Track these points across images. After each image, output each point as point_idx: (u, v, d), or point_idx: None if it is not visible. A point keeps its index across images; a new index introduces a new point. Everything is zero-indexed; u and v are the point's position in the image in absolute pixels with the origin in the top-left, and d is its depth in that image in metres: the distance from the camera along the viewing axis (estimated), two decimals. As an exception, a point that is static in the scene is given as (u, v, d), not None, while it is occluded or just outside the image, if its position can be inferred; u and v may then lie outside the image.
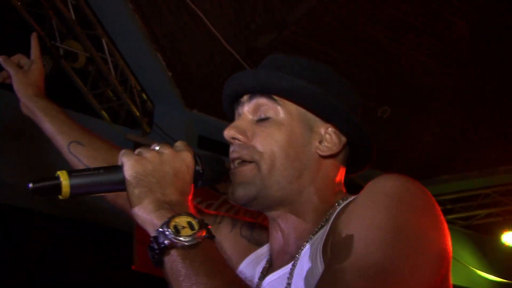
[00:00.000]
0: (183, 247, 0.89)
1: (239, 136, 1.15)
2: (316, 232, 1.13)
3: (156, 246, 0.89)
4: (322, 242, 1.06)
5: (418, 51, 4.56)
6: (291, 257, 1.13)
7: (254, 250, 1.31)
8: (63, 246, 4.75)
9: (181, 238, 0.88)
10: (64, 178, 0.96)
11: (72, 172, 0.98)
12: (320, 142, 1.18)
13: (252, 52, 4.62)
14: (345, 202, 1.13)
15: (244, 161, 1.15)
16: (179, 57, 4.68)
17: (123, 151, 1.01)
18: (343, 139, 1.19)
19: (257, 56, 4.55)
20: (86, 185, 0.99)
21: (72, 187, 0.97)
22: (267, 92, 1.17)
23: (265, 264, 1.24)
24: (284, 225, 1.18)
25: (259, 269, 1.25)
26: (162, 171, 0.99)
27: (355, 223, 0.96)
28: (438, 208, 1.01)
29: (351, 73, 4.63)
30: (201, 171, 1.07)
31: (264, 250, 1.29)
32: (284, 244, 1.18)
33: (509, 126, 5.22)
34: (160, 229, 0.89)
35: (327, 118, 1.18)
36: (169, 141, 4.54)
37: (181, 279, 0.87)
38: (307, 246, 1.11)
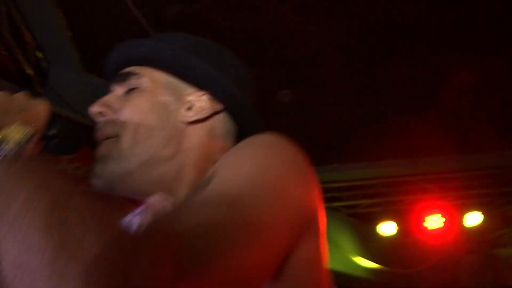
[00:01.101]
0: (4, 158, 0.74)
1: (103, 110, 1.10)
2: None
3: None
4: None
5: (319, 38, 4.61)
6: None
7: None
8: None
9: (12, 148, 0.76)
10: None
11: None
12: (188, 109, 1.14)
13: (159, 21, 4.45)
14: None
15: (108, 138, 1.09)
16: (81, 17, 4.38)
17: None
18: (217, 106, 1.16)
19: (165, 26, 4.40)
20: None
21: None
22: (134, 63, 1.13)
23: None
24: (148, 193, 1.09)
25: None
26: (5, 106, 0.89)
27: (218, 167, 0.91)
28: (308, 170, 1.02)
29: (252, 54, 4.59)
30: (51, 132, 0.98)
31: None
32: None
33: (396, 122, 5.47)
34: None
35: (197, 84, 1.14)
36: (63, 105, 4.26)
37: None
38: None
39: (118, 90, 1.15)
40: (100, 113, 1.11)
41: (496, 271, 6.67)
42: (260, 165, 0.91)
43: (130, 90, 1.13)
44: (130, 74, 1.13)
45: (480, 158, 6.18)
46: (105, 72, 1.20)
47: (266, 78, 4.82)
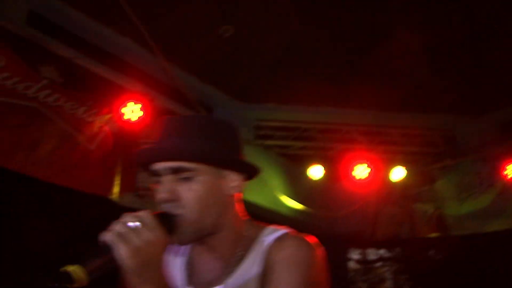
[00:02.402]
0: None
1: (170, 198, 1.50)
2: (239, 255, 1.61)
3: None
4: (255, 280, 1.55)
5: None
6: (217, 276, 1.60)
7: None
8: None
9: None
10: (79, 275, 1.18)
11: (84, 264, 1.21)
12: (228, 186, 1.60)
13: None
14: (262, 240, 1.62)
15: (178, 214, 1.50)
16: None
17: (110, 233, 1.28)
18: (241, 176, 1.63)
19: None
20: (93, 273, 1.21)
21: (89, 274, 1.20)
22: (185, 159, 1.51)
23: (180, 271, 1.71)
24: (213, 248, 1.62)
25: (176, 272, 1.70)
26: (154, 259, 1.32)
27: (283, 285, 1.49)
28: (323, 261, 1.61)
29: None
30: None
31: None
32: (210, 262, 1.64)
33: (336, 71, 5.53)
34: None
35: (227, 168, 1.59)
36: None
37: None
38: (237, 273, 1.58)
39: (171, 177, 1.52)
40: (167, 200, 1.50)
41: (412, 223, 7.02)
42: (309, 282, 1.53)
43: (184, 179, 1.52)
44: (184, 168, 1.51)
45: (411, 117, 6.35)
46: (150, 159, 1.57)
47: (209, 13, 4.78)
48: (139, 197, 5.00)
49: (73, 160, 4.50)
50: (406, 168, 6.44)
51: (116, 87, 4.85)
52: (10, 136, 4.13)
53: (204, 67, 5.59)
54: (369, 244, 7.45)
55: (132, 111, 4.78)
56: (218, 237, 1.61)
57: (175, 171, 1.52)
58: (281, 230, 1.64)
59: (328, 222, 7.13)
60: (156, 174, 1.55)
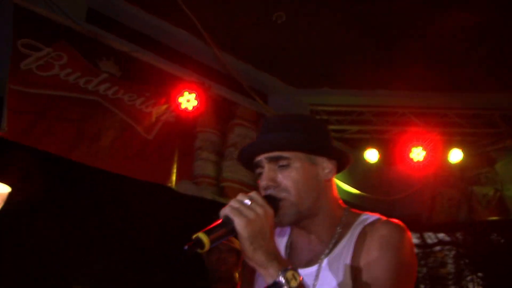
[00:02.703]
0: None
1: (272, 184, 1.70)
2: (335, 238, 1.75)
3: None
4: (348, 261, 1.67)
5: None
6: (315, 256, 1.75)
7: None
8: None
9: (292, 287, 1.44)
10: (205, 240, 1.42)
11: (209, 234, 1.44)
12: (322, 170, 1.76)
13: None
14: (357, 226, 1.74)
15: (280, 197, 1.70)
16: None
17: (228, 208, 1.51)
18: (334, 162, 1.79)
19: None
20: (217, 239, 1.46)
21: (211, 242, 1.43)
22: (281, 150, 1.72)
23: (285, 251, 1.88)
24: (311, 229, 1.78)
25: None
26: (264, 230, 1.50)
27: (376, 265, 1.62)
28: (412, 245, 1.72)
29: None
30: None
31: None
32: (310, 242, 1.79)
33: (391, 53, 5.46)
34: (278, 280, 1.45)
35: (321, 154, 1.76)
36: (54, 9, 4.32)
37: None
38: (332, 254, 1.71)
39: (272, 166, 1.73)
40: (269, 186, 1.70)
41: (471, 206, 6.89)
42: (402, 267, 1.64)
43: (282, 166, 1.71)
44: (282, 157, 1.71)
45: (468, 97, 6.21)
46: (252, 151, 1.78)
47: (261, 0, 4.82)
48: (196, 185, 5.14)
49: (132, 150, 4.67)
50: (463, 150, 6.32)
51: (172, 78, 4.98)
52: (73, 129, 4.33)
53: (257, 54, 5.64)
54: (427, 228, 7.35)
55: (188, 101, 4.90)
56: (316, 220, 1.77)
57: (274, 160, 1.73)
58: (375, 216, 1.77)
59: (384, 206, 7.08)
60: (258, 165, 1.77)
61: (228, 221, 1.49)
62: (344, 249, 1.71)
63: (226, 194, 5.24)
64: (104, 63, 4.54)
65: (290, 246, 1.90)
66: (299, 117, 1.87)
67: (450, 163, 6.42)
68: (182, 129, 5.03)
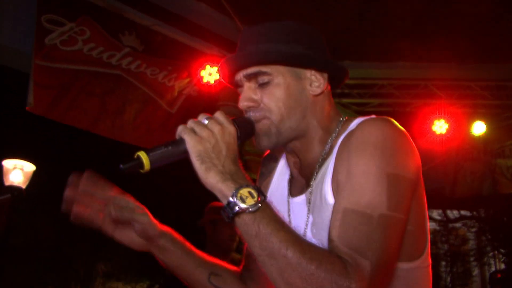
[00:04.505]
0: (250, 212, 1.26)
1: (251, 104, 1.52)
2: (323, 156, 1.56)
3: (229, 212, 1.27)
4: (330, 176, 1.46)
5: None
6: (307, 180, 1.57)
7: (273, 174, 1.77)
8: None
9: (247, 205, 1.25)
10: (145, 158, 1.28)
11: (149, 151, 1.30)
12: (310, 85, 1.56)
13: None
14: (344, 134, 1.51)
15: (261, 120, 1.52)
16: None
17: (181, 127, 1.34)
18: (325, 75, 1.57)
19: None
20: (160, 160, 1.32)
21: (151, 162, 1.29)
22: (261, 64, 1.51)
23: (287, 182, 1.70)
24: (299, 153, 1.59)
25: (284, 184, 1.72)
26: (218, 147, 1.33)
27: (353, 170, 1.37)
28: (410, 141, 1.46)
29: None
30: (239, 135, 1.42)
31: (280, 165, 1.78)
32: (300, 167, 1.61)
33: (411, 25, 5.40)
34: (231, 199, 1.26)
35: (308, 66, 1.55)
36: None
37: (253, 236, 1.26)
38: (319, 175, 1.52)
39: (251, 85, 1.53)
40: (249, 107, 1.52)
41: (495, 180, 6.84)
42: (385, 171, 1.35)
43: (263, 84, 1.52)
44: (261, 72, 1.51)
45: (492, 68, 6.12)
46: (227, 70, 1.57)
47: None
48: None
49: (155, 123, 4.71)
50: (487, 122, 6.26)
51: (194, 52, 5.00)
52: (97, 103, 4.38)
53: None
54: (449, 203, 7.33)
55: (210, 74, 4.92)
56: (302, 142, 1.58)
57: (253, 76, 1.53)
58: (364, 118, 1.52)
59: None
60: (238, 85, 1.58)
61: (180, 141, 1.34)
62: (328, 166, 1.50)
63: (249, 167, 5.27)
64: (126, 37, 4.57)
65: (290, 180, 1.71)
66: (284, 25, 1.58)
67: (473, 136, 6.37)
68: (204, 102, 5.06)
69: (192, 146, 1.31)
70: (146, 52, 4.67)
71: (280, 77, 1.52)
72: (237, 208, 1.26)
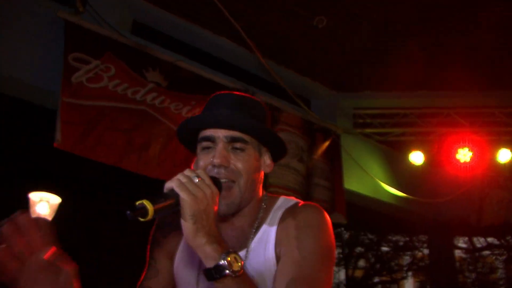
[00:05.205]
0: (236, 276, 1.37)
1: (225, 163, 1.60)
2: (255, 223, 1.71)
3: (216, 274, 1.37)
4: (273, 244, 1.65)
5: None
6: (242, 242, 1.69)
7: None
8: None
9: (235, 270, 1.37)
10: (150, 209, 1.33)
11: (153, 202, 1.34)
12: (264, 164, 1.73)
13: None
14: (274, 208, 1.74)
15: (229, 181, 1.62)
16: None
17: (176, 182, 1.39)
18: (271, 158, 1.76)
19: None
20: (160, 211, 1.36)
21: (154, 213, 1.33)
22: (241, 131, 1.63)
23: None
24: (237, 220, 1.71)
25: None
26: (208, 210, 1.42)
27: (298, 245, 1.58)
28: (331, 226, 1.68)
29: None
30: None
31: None
32: (231, 231, 1.71)
33: (433, 54, 5.42)
34: (220, 263, 1.37)
35: (267, 145, 1.73)
36: (101, 23, 4.46)
37: None
38: (256, 238, 1.68)
39: (226, 146, 1.63)
40: (222, 165, 1.60)
41: (522, 207, 6.74)
42: (321, 248, 1.61)
43: (237, 149, 1.63)
44: (242, 139, 1.63)
45: (514, 95, 6.10)
46: (205, 124, 1.66)
47: (304, 4, 4.86)
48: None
49: (180, 158, 4.75)
50: (511, 150, 6.20)
51: (217, 86, 5.05)
52: (123, 138, 4.43)
53: (299, 59, 5.69)
54: (476, 232, 7.22)
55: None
56: (244, 210, 1.70)
57: (232, 140, 1.64)
58: (293, 200, 1.77)
59: (431, 209, 7.02)
60: (209, 140, 1.65)
61: (174, 194, 1.40)
62: (266, 232, 1.68)
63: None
64: (150, 73, 4.65)
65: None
66: (248, 99, 1.73)
67: (499, 163, 6.31)
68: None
69: (189, 205, 1.38)
70: (170, 87, 4.74)
71: (251, 149, 1.66)
72: (226, 272, 1.37)
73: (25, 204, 6.11)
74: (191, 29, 5.10)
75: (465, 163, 6.23)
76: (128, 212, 1.31)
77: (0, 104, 5.06)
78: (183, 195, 1.38)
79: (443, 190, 6.78)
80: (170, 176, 4.41)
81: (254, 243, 1.68)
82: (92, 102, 4.33)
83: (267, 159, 1.74)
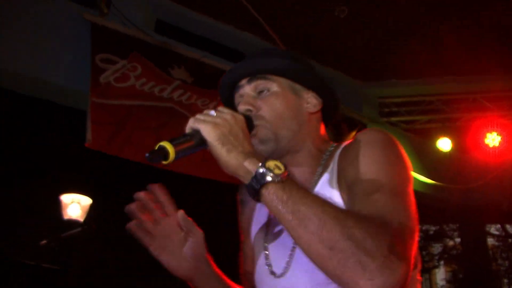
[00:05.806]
0: (280, 181, 1.25)
1: (250, 107, 1.55)
2: (319, 171, 1.58)
3: (255, 184, 1.26)
4: (335, 180, 1.49)
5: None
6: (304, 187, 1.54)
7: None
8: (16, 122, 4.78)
9: (277, 174, 1.25)
10: (170, 150, 1.26)
11: (173, 142, 1.27)
12: (306, 104, 1.63)
13: None
14: (339, 149, 1.56)
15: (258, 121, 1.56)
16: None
17: (192, 119, 1.33)
18: (320, 99, 1.66)
19: None
20: (182, 151, 1.29)
21: (176, 154, 1.27)
22: (263, 73, 1.60)
23: None
24: (292, 167, 1.57)
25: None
26: (235, 131, 1.33)
27: (364, 161, 1.40)
28: (402, 148, 1.50)
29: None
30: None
31: None
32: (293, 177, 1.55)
33: (457, 39, 5.37)
34: (260, 170, 1.26)
35: (307, 86, 1.64)
36: (125, 24, 4.53)
37: (285, 201, 1.23)
38: (318, 185, 1.54)
39: (251, 92, 1.60)
40: (248, 110, 1.55)
41: (555, 190, 6.64)
42: (390, 160, 1.40)
43: (262, 92, 1.59)
44: (264, 79, 1.59)
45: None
46: (233, 75, 1.64)
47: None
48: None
49: (208, 152, 4.80)
50: (540, 132, 6.13)
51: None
52: (152, 136, 4.50)
53: (323, 50, 5.69)
54: (509, 218, 7.12)
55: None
56: (298, 157, 1.60)
57: (254, 83, 1.60)
58: None
59: (461, 195, 6.96)
60: (239, 92, 1.63)
61: (194, 133, 1.32)
62: (331, 174, 1.53)
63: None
64: (175, 70, 4.71)
65: None
66: (286, 51, 1.72)
67: (529, 146, 6.23)
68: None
69: (209, 132, 1.29)
70: (195, 84, 4.80)
71: (280, 88, 1.60)
72: (267, 178, 1.25)
73: (57, 205, 6.24)
74: (213, 25, 5.15)
75: (494, 147, 6.17)
76: (147, 154, 1.25)
77: (32, 107, 5.17)
78: (202, 126, 1.30)
79: (473, 176, 6.72)
80: (201, 171, 4.44)
81: (318, 187, 1.54)
82: (120, 101, 4.41)
83: (310, 101, 1.64)
